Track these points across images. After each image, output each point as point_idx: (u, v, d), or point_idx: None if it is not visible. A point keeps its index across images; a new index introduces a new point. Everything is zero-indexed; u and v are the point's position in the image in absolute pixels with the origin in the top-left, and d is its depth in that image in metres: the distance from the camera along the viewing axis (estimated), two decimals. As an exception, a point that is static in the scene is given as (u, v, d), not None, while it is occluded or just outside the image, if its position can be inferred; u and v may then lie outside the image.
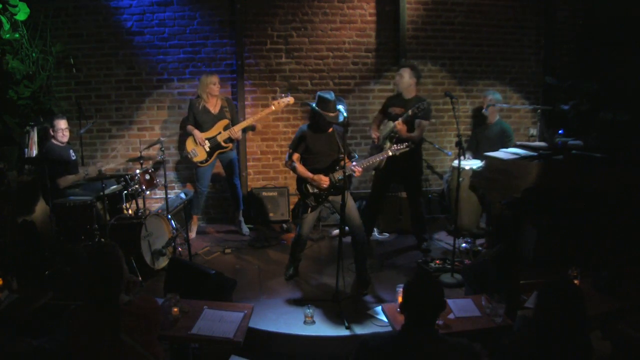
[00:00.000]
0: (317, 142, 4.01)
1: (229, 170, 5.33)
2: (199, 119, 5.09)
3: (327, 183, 3.97)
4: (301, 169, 4.03)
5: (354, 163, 3.99)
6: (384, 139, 4.75)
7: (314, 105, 3.93)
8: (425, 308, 1.96)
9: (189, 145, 5.12)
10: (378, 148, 4.70)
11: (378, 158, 4.20)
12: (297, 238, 4.20)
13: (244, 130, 5.52)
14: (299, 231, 4.16)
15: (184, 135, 5.43)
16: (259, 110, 5.77)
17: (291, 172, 4.19)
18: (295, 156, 4.07)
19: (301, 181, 4.08)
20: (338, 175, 3.98)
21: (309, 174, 4.00)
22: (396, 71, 5.86)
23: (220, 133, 5.08)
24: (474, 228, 5.24)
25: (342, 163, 3.81)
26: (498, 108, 5.38)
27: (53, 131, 4.69)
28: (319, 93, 3.94)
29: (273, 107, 5.14)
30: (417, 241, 5.00)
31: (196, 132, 5.06)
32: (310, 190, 4.03)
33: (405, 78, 4.73)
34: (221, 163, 5.33)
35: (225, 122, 5.11)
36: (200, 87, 5.11)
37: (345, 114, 3.87)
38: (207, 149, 5.09)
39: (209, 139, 5.08)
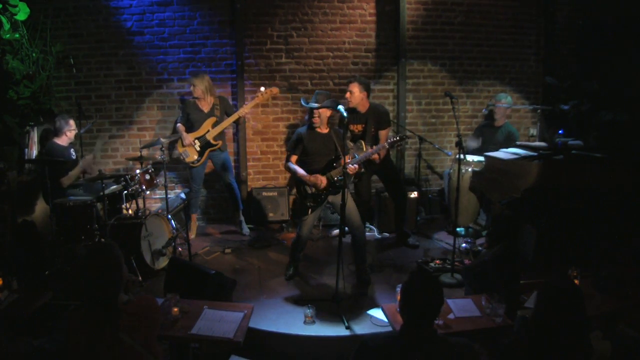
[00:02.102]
0: (314, 143, 4.04)
1: (222, 170, 5.31)
2: (191, 118, 5.12)
3: (325, 183, 3.97)
4: (298, 170, 4.06)
5: (348, 161, 3.99)
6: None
7: (303, 100, 4.06)
8: (424, 308, 1.95)
9: (179, 147, 5.14)
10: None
11: (371, 153, 4.20)
12: (296, 239, 4.21)
13: (236, 123, 5.52)
14: (298, 232, 4.17)
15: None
16: (259, 110, 5.79)
17: (290, 174, 4.21)
18: (293, 158, 4.12)
19: (299, 183, 4.08)
20: (336, 174, 3.98)
21: (306, 175, 4.01)
22: (395, 71, 5.93)
23: (208, 131, 5.09)
24: (470, 223, 5.24)
25: (342, 163, 3.81)
26: (508, 112, 5.38)
27: (67, 131, 4.67)
28: (316, 91, 4.07)
29: (257, 99, 5.13)
30: (399, 236, 5.04)
31: (184, 135, 5.07)
32: (309, 192, 4.04)
33: (356, 93, 4.57)
34: (213, 164, 5.32)
35: (213, 119, 5.11)
36: None
37: (345, 114, 3.86)
38: (198, 149, 5.10)
39: (198, 138, 5.09)
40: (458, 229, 4.98)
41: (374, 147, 4.23)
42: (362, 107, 4.66)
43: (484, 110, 5.59)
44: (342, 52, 5.86)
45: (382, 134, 4.72)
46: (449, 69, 6.08)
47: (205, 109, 5.14)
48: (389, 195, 5.17)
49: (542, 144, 4.64)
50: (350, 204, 4.03)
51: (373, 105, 4.75)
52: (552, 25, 6.09)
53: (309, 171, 4.04)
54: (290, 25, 5.74)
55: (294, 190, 5.74)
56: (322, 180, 3.97)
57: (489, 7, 6.00)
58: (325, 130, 4.09)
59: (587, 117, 5.23)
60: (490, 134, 5.40)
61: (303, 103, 4.09)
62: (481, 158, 4.95)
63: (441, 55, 6.04)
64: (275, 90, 5.16)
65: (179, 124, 5.19)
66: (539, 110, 5.57)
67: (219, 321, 2.75)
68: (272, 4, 5.68)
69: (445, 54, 6.04)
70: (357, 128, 4.71)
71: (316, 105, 3.94)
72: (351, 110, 4.62)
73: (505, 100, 5.33)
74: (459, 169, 4.47)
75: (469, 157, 5.09)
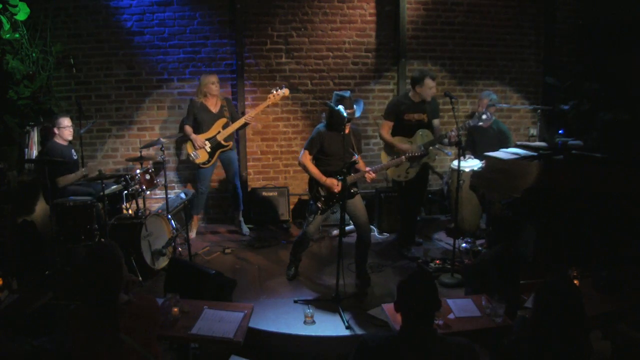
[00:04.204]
0: (332, 143, 3.95)
1: (230, 170, 5.33)
2: (198, 119, 5.10)
3: (339, 188, 3.90)
4: (314, 170, 3.99)
5: (368, 168, 3.96)
6: (425, 146, 4.54)
7: (330, 103, 3.89)
8: (418, 305, 1.95)
9: (189, 148, 5.13)
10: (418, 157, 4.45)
11: (392, 162, 4.17)
12: (301, 238, 4.19)
13: (242, 128, 5.51)
14: (305, 230, 4.15)
15: (183, 137, 5.41)
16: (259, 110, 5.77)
17: (303, 171, 4.16)
18: (309, 156, 4.03)
19: (313, 182, 4.05)
20: (352, 180, 3.91)
21: (323, 177, 3.95)
22: (395, 71, 5.92)
23: (219, 132, 5.09)
24: (474, 229, 5.21)
25: (359, 167, 3.78)
26: (492, 110, 5.29)
27: (58, 130, 4.68)
28: (335, 92, 3.94)
29: (270, 100, 5.12)
30: (406, 241, 4.93)
31: (194, 137, 5.06)
32: (322, 193, 4.01)
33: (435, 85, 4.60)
34: (222, 163, 5.32)
35: (224, 120, 5.12)
36: (200, 86, 5.14)
37: (344, 114, 3.84)
38: (208, 150, 5.09)
39: (209, 139, 5.08)
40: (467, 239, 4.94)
41: (392, 160, 4.18)
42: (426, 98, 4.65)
43: (483, 110, 5.54)
44: (342, 52, 5.86)
45: (436, 122, 4.77)
46: (449, 69, 6.08)
47: (214, 109, 5.14)
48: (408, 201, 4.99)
49: (542, 144, 4.63)
50: (359, 203, 4.02)
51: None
52: (552, 25, 6.09)
53: (324, 172, 3.98)
54: (290, 25, 5.74)
55: (291, 190, 5.77)
56: (337, 186, 3.92)
57: (489, 7, 6.00)
58: (345, 130, 3.95)
59: (587, 117, 5.22)
60: (480, 136, 5.29)
61: (344, 113, 3.71)
62: (479, 163, 4.91)
63: (441, 55, 6.03)
64: (286, 91, 5.14)
65: (186, 126, 5.15)
66: (539, 110, 5.56)
67: (219, 321, 2.75)
68: (272, 4, 5.68)
69: (445, 54, 6.03)
70: (415, 117, 4.64)
71: (348, 115, 3.76)
72: (405, 99, 4.66)
73: (489, 98, 5.20)
74: (459, 169, 4.47)
75: (467, 168, 4.94)
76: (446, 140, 4.58)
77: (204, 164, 5.13)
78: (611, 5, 5.61)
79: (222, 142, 5.11)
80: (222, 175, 5.67)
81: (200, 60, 5.70)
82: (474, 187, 4.97)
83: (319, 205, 4.03)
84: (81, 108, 5.28)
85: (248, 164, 5.91)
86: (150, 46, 5.62)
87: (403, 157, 4.10)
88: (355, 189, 4.00)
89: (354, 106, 3.87)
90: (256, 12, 5.68)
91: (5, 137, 4.75)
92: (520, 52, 6.16)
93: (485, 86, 6.13)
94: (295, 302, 3.82)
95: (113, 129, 5.74)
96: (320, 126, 4.06)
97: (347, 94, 3.89)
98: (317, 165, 4.04)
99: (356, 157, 3.98)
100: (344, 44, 5.86)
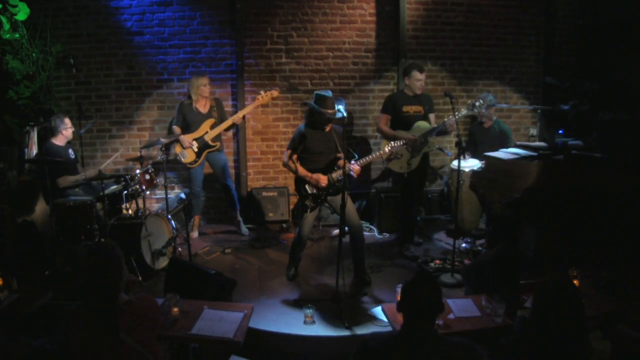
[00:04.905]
0: (315, 142, 4.02)
1: (220, 172, 5.31)
2: (188, 119, 5.10)
3: (326, 182, 3.98)
4: (300, 169, 4.04)
5: (352, 162, 3.98)
6: (424, 137, 4.59)
7: (312, 103, 3.94)
8: (421, 306, 1.95)
9: (178, 148, 5.13)
10: (417, 149, 4.60)
11: (376, 155, 4.18)
12: (297, 239, 4.20)
13: (230, 128, 5.46)
14: (299, 232, 4.16)
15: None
16: (259, 110, 5.78)
17: (290, 172, 4.18)
18: (294, 156, 4.08)
19: (300, 182, 4.08)
20: (337, 175, 3.98)
21: (308, 174, 4.01)
22: (395, 71, 5.92)
23: (207, 132, 5.09)
24: (474, 229, 5.21)
25: (342, 163, 3.81)
26: (492, 110, 5.29)
27: (65, 130, 4.68)
28: (316, 92, 3.97)
29: (259, 101, 5.10)
30: (406, 241, 4.92)
31: (181, 137, 5.05)
32: (309, 191, 4.03)
33: (423, 78, 4.71)
34: (211, 166, 5.31)
35: (211, 121, 5.11)
36: (191, 88, 5.10)
37: (344, 114, 3.86)
38: (195, 150, 5.09)
39: (196, 139, 5.08)
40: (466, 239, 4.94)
41: (377, 153, 4.19)
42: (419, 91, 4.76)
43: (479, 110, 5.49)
44: (342, 52, 5.86)
45: (432, 117, 4.80)
46: (449, 69, 6.08)
47: (203, 110, 5.13)
48: (407, 201, 4.99)
49: (542, 144, 4.63)
50: (349, 204, 4.03)
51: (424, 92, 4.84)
52: (552, 25, 6.08)
53: (309, 170, 4.03)
54: (290, 25, 5.74)
55: (291, 190, 5.76)
56: (323, 180, 3.97)
57: (489, 7, 6.00)
58: (326, 129, 4.06)
59: (587, 117, 5.22)
60: (482, 135, 5.30)
61: (344, 113, 3.79)
62: (478, 163, 4.90)
63: (441, 55, 6.03)
64: (275, 93, 5.11)
65: (174, 126, 5.17)
66: (539, 110, 5.56)
67: (219, 321, 2.75)
68: (272, 4, 5.68)
69: (445, 54, 6.03)
70: (413, 109, 4.71)
71: (329, 115, 3.86)
72: (402, 93, 4.78)
73: (486, 100, 5.20)
74: (459, 169, 4.47)
75: (467, 168, 4.92)
76: (443, 127, 4.58)
77: (190, 164, 5.13)
78: (611, 5, 5.61)
79: (210, 142, 5.11)
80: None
81: (200, 60, 5.70)
82: (474, 187, 4.97)
83: (307, 204, 4.06)
84: (81, 108, 5.28)
85: (248, 164, 5.91)
86: (150, 46, 5.62)
87: (386, 149, 4.12)
88: (345, 184, 3.98)
89: (337, 106, 3.88)
90: (256, 12, 5.67)
91: (5, 137, 4.75)
92: (520, 52, 6.16)
93: (485, 86, 6.13)
94: (295, 302, 3.82)
95: (113, 129, 5.74)
96: (301, 126, 4.11)
97: (329, 93, 3.93)
98: (302, 165, 4.08)
99: (356, 157, 4.00)
100: (344, 44, 5.86)
